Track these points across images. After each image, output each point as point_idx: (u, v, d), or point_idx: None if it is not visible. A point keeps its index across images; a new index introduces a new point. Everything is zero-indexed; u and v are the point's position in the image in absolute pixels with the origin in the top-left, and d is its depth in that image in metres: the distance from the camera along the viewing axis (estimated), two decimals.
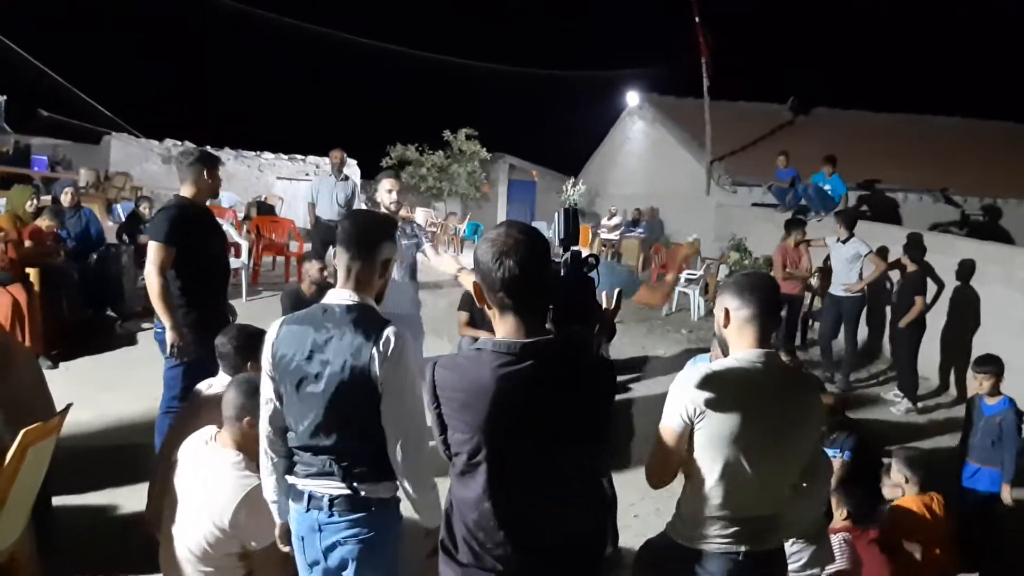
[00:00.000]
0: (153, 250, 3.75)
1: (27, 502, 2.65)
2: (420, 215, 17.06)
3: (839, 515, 3.43)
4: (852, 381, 7.44)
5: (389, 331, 2.00)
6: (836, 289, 7.51)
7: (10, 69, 16.17)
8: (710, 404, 2.01)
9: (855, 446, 4.35)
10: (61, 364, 6.10)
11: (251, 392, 2.46)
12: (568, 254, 1.89)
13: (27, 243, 6.38)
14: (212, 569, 2.43)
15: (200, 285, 3.94)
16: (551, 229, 1.99)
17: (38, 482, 2.68)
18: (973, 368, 4.69)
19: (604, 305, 1.96)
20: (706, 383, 2.05)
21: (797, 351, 8.48)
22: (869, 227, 8.72)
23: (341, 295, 2.09)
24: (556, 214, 2.01)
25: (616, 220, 15.58)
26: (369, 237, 2.15)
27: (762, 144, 14.32)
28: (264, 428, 2.15)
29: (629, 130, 17.62)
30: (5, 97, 16.99)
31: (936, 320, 7.20)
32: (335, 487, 2.03)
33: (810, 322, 9.12)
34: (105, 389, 5.62)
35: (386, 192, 4.50)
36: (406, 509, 2.16)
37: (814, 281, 8.64)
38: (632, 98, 16.81)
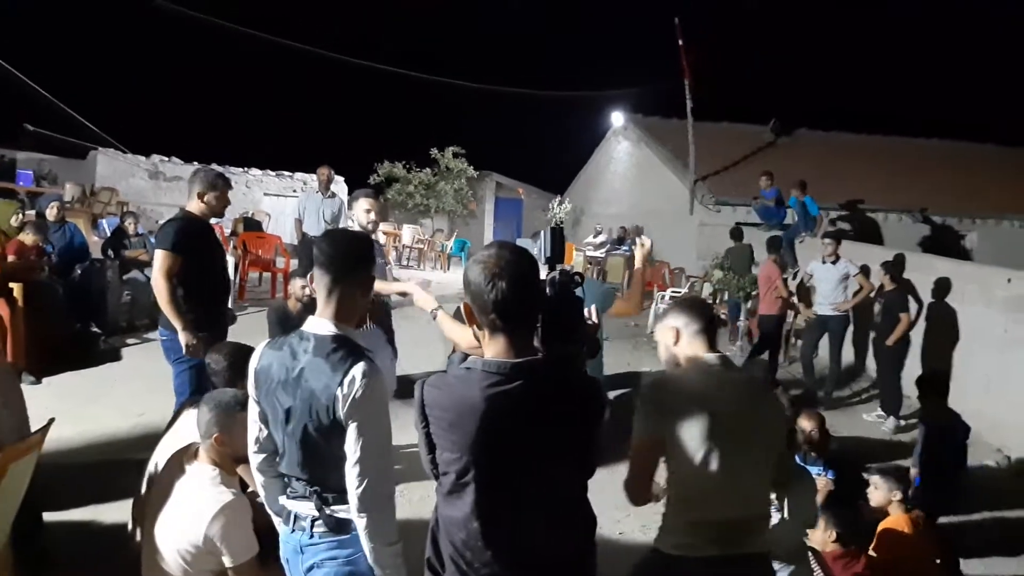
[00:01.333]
0: (160, 258, 3.88)
1: (7, 519, 2.64)
2: (407, 232, 17.11)
3: (827, 536, 3.43)
4: (835, 398, 7.52)
5: (356, 370, 1.90)
6: (822, 308, 7.64)
7: None
8: (677, 408, 2.09)
9: (839, 465, 4.40)
10: (44, 379, 6.05)
11: (218, 408, 2.48)
12: (556, 272, 1.92)
13: (10, 258, 6.35)
14: None
15: (203, 296, 4.05)
16: (537, 247, 2.02)
17: (18, 499, 2.67)
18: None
19: (589, 320, 1.99)
20: (669, 389, 2.16)
21: (780, 367, 8.60)
22: (852, 247, 8.88)
23: (319, 324, 2.02)
24: (542, 232, 2.05)
25: (602, 238, 15.69)
26: (351, 256, 2.08)
27: (745, 164, 14.52)
28: (252, 448, 2.13)
29: (614, 150, 17.79)
30: None
31: (917, 338, 7.32)
32: (316, 510, 2.00)
33: (792, 340, 9.23)
34: (89, 404, 5.58)
35: (364, 212, 4.45)
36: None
37: (796, 299, 8.77)
38: (617, 118, 16.98)
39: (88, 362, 6.59)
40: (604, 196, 17.98)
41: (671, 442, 2.09)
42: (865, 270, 7.80)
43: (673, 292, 11.03)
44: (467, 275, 1.71)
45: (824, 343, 7.78)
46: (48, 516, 3.67)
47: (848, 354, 8.21)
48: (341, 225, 9.06)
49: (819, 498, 4.27)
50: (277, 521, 2.20)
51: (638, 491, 2.19)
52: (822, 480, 4.31)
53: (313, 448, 1.97)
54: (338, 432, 1.91)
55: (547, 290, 1.89)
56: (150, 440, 3.58)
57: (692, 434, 2.07)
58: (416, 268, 15.80)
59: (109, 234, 8.93)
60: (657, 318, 2.30)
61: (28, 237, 6.73)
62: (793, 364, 8.69)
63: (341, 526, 1.99)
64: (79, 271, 7.41)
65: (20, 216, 7.29)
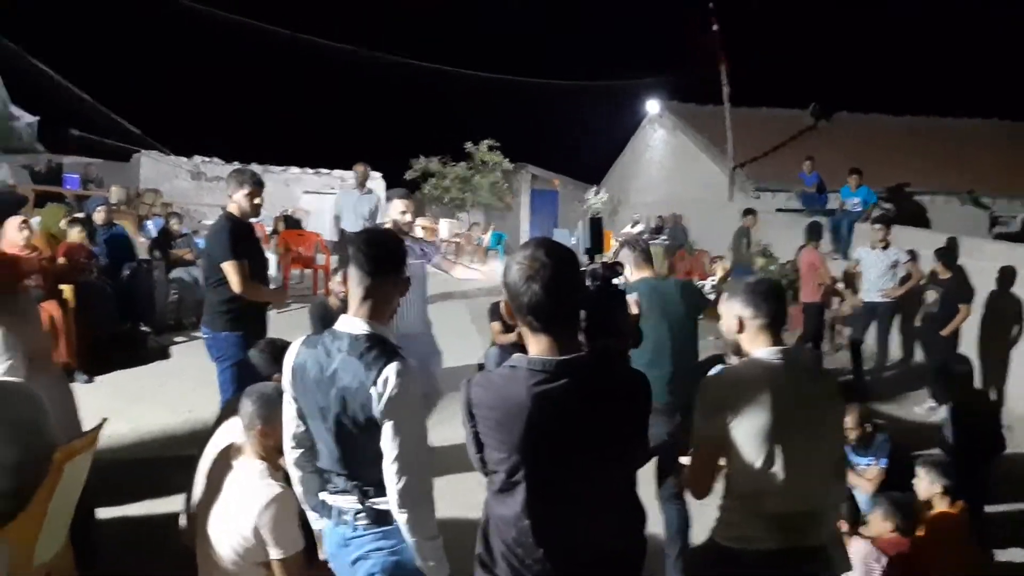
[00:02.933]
0: (231, 270, 4.09)
1: (65, 517, 2.71)
2: (444, 227, 17.18)
3: (886, 527, 3.36)
4: (882, 387, 7.36)
5: (390, 369, 1.91)
6: (871, 296, 7.46)
7: (42, 90, 16.57)
8: (740, 404, 2.07)
9: (890, 453, 4.31)
10: (97, 378, 6.22)
11: (260, 401, 2.51)
12: (597, 265, 1.90)
13: (61, 260, 6.52)
14: None
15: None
16: (574, 237, 2.00)
17: (75, 497, 2.74)
18: None
19: (631, 311, 1.97)
20: (733, 385, 2.13)
21: (824, 355, 8.45)
22: (898, 231, 8.65)
23: (352, 323, 2.04)
24: (580, 223, 2.04)
25: (639, 227, 15.56)
26: (385, 256, 2.09)
27: (784, 150, 14.27)
28: (288, 444, 2.16)
29: (650, 138, 17.63)
30: (38, 117, 17.42)
31: (970, 327, 7.09)
32: (358, 503, 2.03)
33: (838, 327, 9.06)
34: (139, 402, 5.72)
35: (399, 212, 4.52)
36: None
37: (841, 286, 8.59)
38: (652, 106, 16.82)
39: (138, 360, 6.75)
40: (641, 185, 17.83)
41: (731, 439, 2.08)
42: (913, 256, 7.60)
43: (713, 281, 10.90)
44: (505, 275, 1.71)
45: (872, 331, 7.61)
46: (102, 512, 3.79)
47: (894, 342, 8.02)
48: (378, 221, 9.15)
49: (871, 487, 4.21)
50: (312, 516, 2.23)
51: (699, 486, 2.21)
52: (873, 469, 4.23)
53: (350, 444, 1.99)
54: (374, 429, 1.93)
55: (588, 282, 1.87)
56: (199, 436, 3.65)
57: (752, 432, 2.05)
58: (454, 262, 15.88)
59: (155, 235, 9.13)
60: (726, 295, 2.24)
61: (76, 238, 6.90)
62: (839, 352, 8.53)
63: (383, 518, 2.02)
64: (127, 271, 7.58)
65: (69, 219, 7.47)
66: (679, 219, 14.90)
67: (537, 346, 1.70)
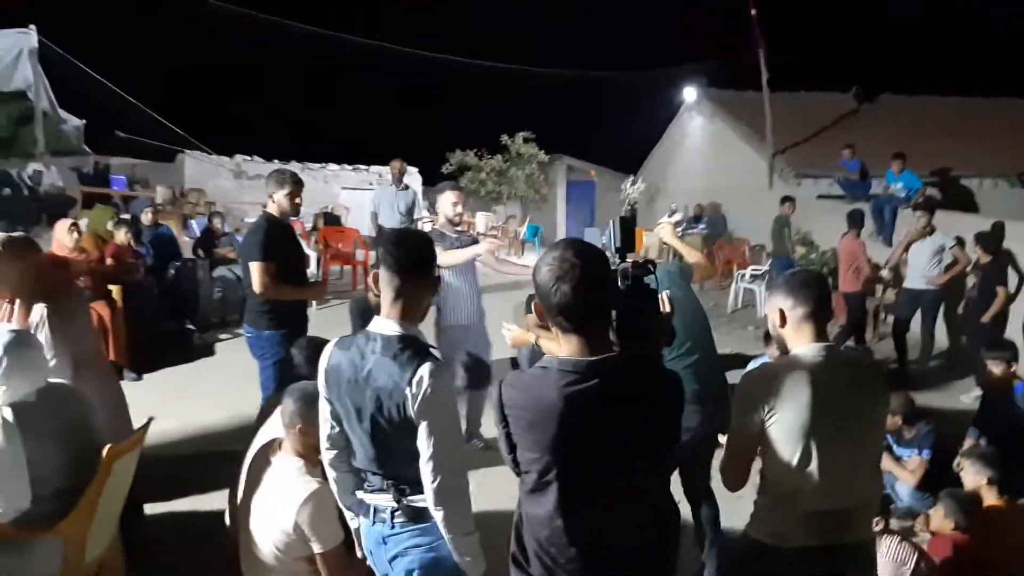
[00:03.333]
0: (256, 271, 4.12)
1: (114, 513, 2.82)
2: (480, 220, 17.22)
3: (947, 525, 3.26)
4: (928, 376, 7.20)
5: (424, 370, 1.93)
6: (915, 283, 7.30)
7: (88, 94, 17.01)
8: (778, 401, 2.04)
9: (933, 444, 4.23)
10: (145, 375, 6.40)
11: (300, 399, 2.56)
12: (627, 264, 1.89)
13: (109, 261, 6.71)
14: (286, 574, 2.53)
15: None
16: (605, 235, 1.99)
17: (124, 494, 2.84)
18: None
19: (663, 308, 1.97)
20: (772, 381, 2.09)
21: (869, 343, 8.29)
22: (944, 217, 8.42)
23: (385, 325, 2.05)
24: (611, 222, 2.03)
25: (677, 216, 15.35)
26: (416, 258, 2.10)
27: (826, 134, 13.98)
28: (324, 445, 2.20)
29: (688, 126, 17.39)
30: (84, 121, 17.92)
31: (1018, 314, 6.90)
32: (395, 501, 2.06)
33: (883, 315, 8.88)
34: (185, 398, 5.87)
35: (451, 205, 4.62)
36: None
37: (885, 274, 8.42)
38: (689, 93, 16.57)
39: (184, 358, 6.93)
40: (679, 174, 17.62)
41: (767, 436, 2.06)
42: (960, 242, 7.40)
43: (754, 270, 10.77)
44: (535, 276, 1.72)
45: (916, 319, 7.44)
46: (151, 507, 3.91)
47: (940, 329, 7.82)
48: (415, 216, 9.24)
49: (914, 480, 4.14)
50: (349, 516, 2.28)
51: (734, 479, 2.20)
52: (916, 460, 4.16)
53: (386, 444, 2.02)
54: (409, 429, 1.96)
55: (619, 282, 1.87)
56: (243, 431, 3.75)
57: (789, 431, 2.03)
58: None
59: (199, 234, 9.34)
60: (768, 293, 2.20)
61: (123, 239, 7.09)
62: (883, 340, 8.37)
63: (420, 515, 2.05)
64: (172, 271, 7.79)
65: (116, 220, 7.69)
66: (718, 208, 14.71)
67: (568, 347, 1.71)
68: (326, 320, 7.36)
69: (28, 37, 15.16)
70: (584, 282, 1.64)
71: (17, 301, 3.13)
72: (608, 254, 2.01)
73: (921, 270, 7.20)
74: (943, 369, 7.52)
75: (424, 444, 1.95)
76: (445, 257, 4.48)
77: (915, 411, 4.35)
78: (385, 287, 2.08)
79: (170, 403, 5.54)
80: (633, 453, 1.72)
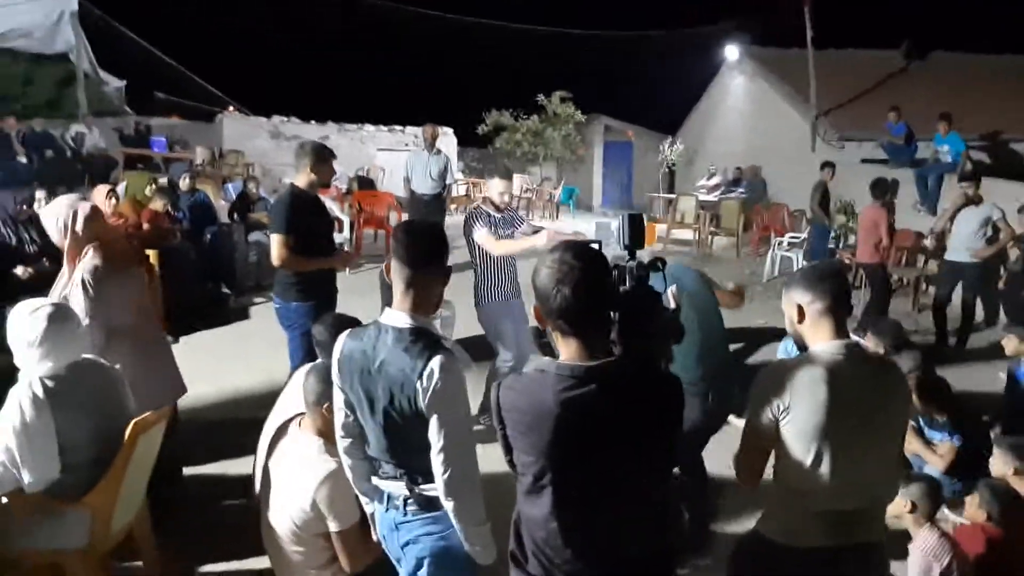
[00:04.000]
0: (275, 243, 4.18)
1: (141, 484, 2.93)
2: (516, 181, 17.12)
3: (980, 516, 3.16)
4: (968, 352, 7.03)
5: (434, 363, 1.94)
6: (958, 255, 7.05)
7: (128, 56, 17.19)
8: (793, 400, 2.01)
9: (966, 430, 4.13)
10: (182, 339, 6.55)
11: (326, 379, 2.58)
12: (632, 263, 1.86)
13: (145, 226, 6.85)
14: (303, 549, 2.60)
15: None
16: (616, 230, 1.96)
17: (150, 466, 2.95)
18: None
19: (670, 305, 1.93)
20: (788, 379, 2.04)
21: (909, 315, 8.13)
22: (992, 184, 8.13)
23: (396, 317, 2.06)
24: (620, 217, 1.99)
25: (716, 180, 15.10)
26: (429, 249, 2.10)
27: (872, 95, 13.52)
28: (339, 433, 2.23)
29: (728, 85, 16.96)
30: (125, 82, 18.15)
31: None
32: (407, 490, 2.10)
33: (923, 287, 8.67)
34: (222, 361, 6.01)
35: (498, 193, 4.60)
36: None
37: (928, 243, 8.20)
38: (731, 52, 16.13)
39: (220, 321, 7.08)
40: (718, 135, 17.25)
41: (783, 435, 2.04)
42: (1003, 213, 7.13)
43: (792, 237, 10.57)
44: (534, 279, 1.71)
45: (957, 292, 7.24)
46: (187, 471, 4.04)
47: (980, 304, 7.61)
48: (448, 181, 9.23)
49: (943, 464, 4.06)
50: (364, 501, 2.33)
51: (748, 476, 2.19)
52: (946, 445, 4.08)
53: (397, 435, 2.05)
54: (421, 422, 1.97)
55: (626, 280, 1.84)
56: (274, 398, 3.80)
57: (804, 430, 2.00)
58: (526, 217, 15.84)
59: (235, 198, 9.46)
60: (785, 280, 2.16)
61: (159, 204, 7.22)
62: (923, 312, 8.18)
63: (432, 503, 2.08)
64: (209, 235, 7.91)
65: (153, 186, 7.82)
66: (757, 171, 14.40)
67: (567, 350, 1.70)
68: (360, 284, 7.46)
69: (69, 0, 15.31)
70: (584, 284, 1.63)
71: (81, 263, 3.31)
72: (618, 249, 1.98)
73: (965, 242, 6.96)
74: (983, 346, 7.33)
75: (435, 436, 1.97)
76: (502, 246, 4.48)
77: (949, 393, 4.26)
78: (396, 278, 2.08)
79: (205, 367, 5.67)
80: (630, 459, 1.71)
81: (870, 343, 4.98)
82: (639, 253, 1.95)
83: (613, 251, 1.98)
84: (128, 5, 17.24)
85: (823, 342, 2.09)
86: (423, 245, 2.10)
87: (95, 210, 3.48)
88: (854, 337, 5.56)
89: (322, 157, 4.36)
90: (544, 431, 1.65)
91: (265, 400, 4.48)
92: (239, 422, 4.85)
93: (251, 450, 4.08)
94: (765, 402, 2.05)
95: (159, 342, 3.85)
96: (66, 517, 2.67)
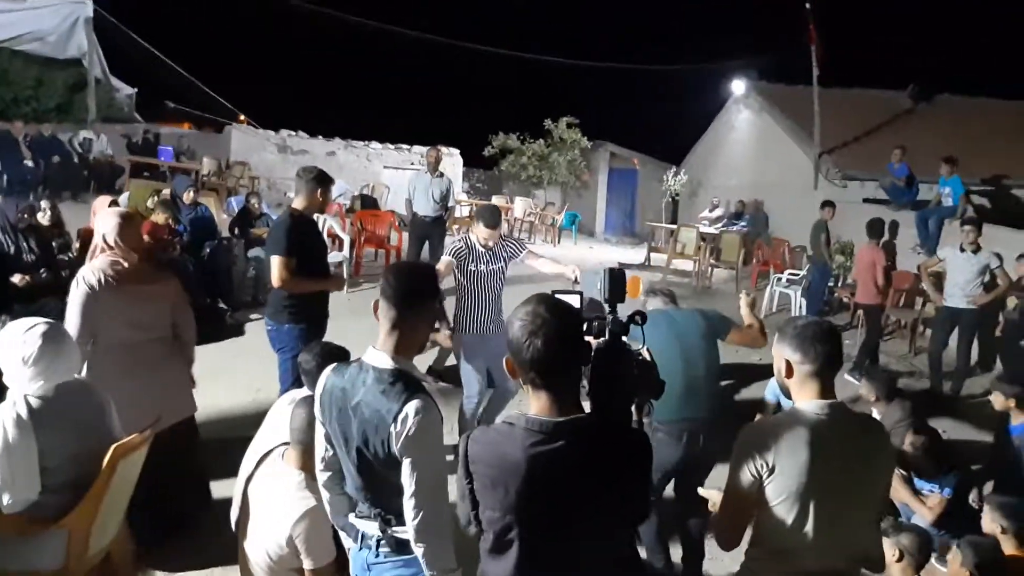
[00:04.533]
0: (277, 264, 4.23)
1: (120, 507, 2.91)
2: (519, 205, 17.19)
3: (962, 573, 3.08)
4: (963, 399, 7.00)
5: (410, 407, 1.93)
6: (955, 300, 7.04)
7: (140, 63, 17.34)
8: (777, 460, 2.01)
9: (957, 483, 4.11)
10: None
11: (310, 415, 2.59)
12: (607, 318, 1.87)
13: (146, 238, 6.85)
14: None
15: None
16: (598, 284, 1.97)
17: (130, 489, 2.94)
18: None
19: (646, 359, 1.93)
20: (771, 438, 2.05)
21: (906, 357, 8.12)
22: (993, 230, 8.15)
23: (378, 357, 2.06)
24: (602, 271, 2.00)
25: (718, 212, 15.17)
26: (416, 291, 2.11)
27: (877, 135, 13.57)
28: (319, 466, 2.23)
29: (734, 119, 17.05)
30: (136, 90, 18.30)
31: None
32: (380, 531, 2.08)
33: (921, 328, 8.66)
34: (211, 379, 5.92)
35: (483, 236, 4.51)
36: None
37: (926, 286, 8.20)
38: (738, 86, 16.24)
39: (214, 337, 7.02)
40: (723, 168, 17.31)
41: (766, 494, 2.03)
42: (1000, 260, 7.12)
43: (791, 274, 10.56)
44: (507, 331, 1.71)
45: (954, 338, 7.23)
46: None
47: (976, 351, 7.59)
48: (449, 204, 9.27)
49: (932, 517, 4.03)
50: (342, 535, 2.30)
51: (728, 537, 2.18)
52: (935, 497, 4.06)
53: (371, 476, 2.04)
54: (394, 464, 1.97)
55: (603, 333, 1.84)
56: (262, 418, 3.81)
57: (786, 490, 2.00)
58: (527, 242, 15.88)
59: (237, 213, 9.49)
60: (779, 328, 2.16)
61: (160, 217, 7.24)
62: (919, 355, 8.16)
63: (404, 546, 2.06)
64: (208, 249, 7.92)
65: (155, 197, 7.85)
66: (760, 205, 14.44)
67: (537, 403, 1.70)
68: (358, 304, 7.46)
69: (84, 6, 15.51)
70: (557, 336, 1.64)
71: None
72: (599, 302, 1.99)
73: (962, 288, 6.96)
74: (977, 394, 7.30)
75: (407, 480, 1.96)
76: (443, 267, 4.39)
77: (941, 444, 4.24)
78: (383, 317, 2.09)
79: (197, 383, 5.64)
80: (597, 516, 1.70)
81: (863, 389, 4.99)
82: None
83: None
84: (142, 14, 17.44)
85: (808, 400, 2.09)
86: (411, 287, 2.10)
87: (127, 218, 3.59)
88: (848, 377, 5.54)
89: (323, 183, 4.44)
90: (511, 486, 1.64)
91: (252, 420, 4.46)
92: (224, 441, 4.81)
93: (233, 472, 4.08)
94: (748, 462, 2.05)
95: (159, 360, 3.71)
96: (43, 538, 2.65)
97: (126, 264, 3.46)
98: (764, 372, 6.86)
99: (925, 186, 11.01)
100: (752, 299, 3.89)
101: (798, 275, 10.33)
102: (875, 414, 4.79)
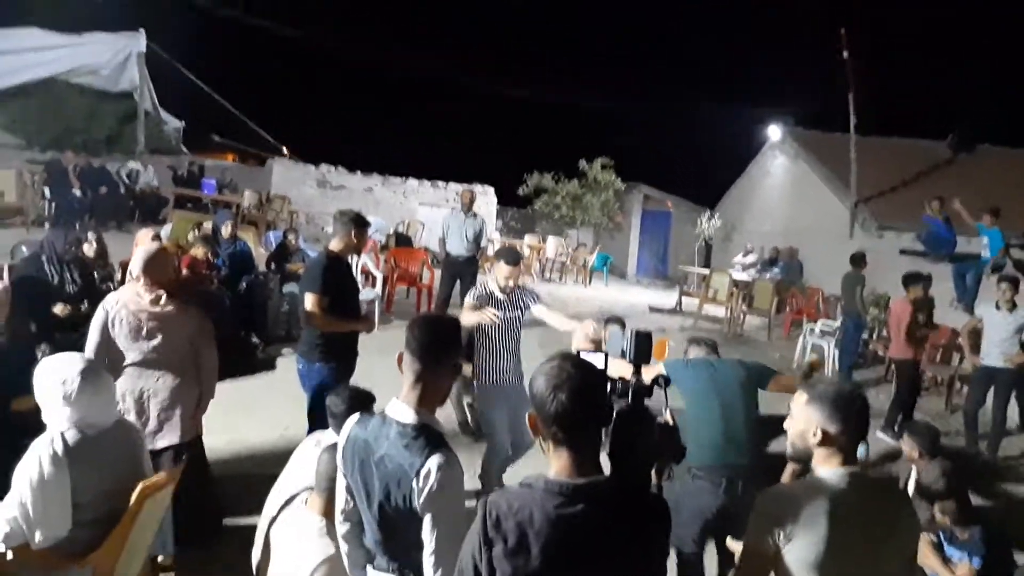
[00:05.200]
0: (310, 302, 4.36)
1: (144, 543, 2.96)
2: (551, 245, 17.27)
3: None
4: (1000, 460, 6.82)
5: (432, 462, 1.96)
6: (992, 359, 6.91)
7: (188, 97, 17.92)
8: (796, 528, 2.00)
9: (988, 550, 4.00)
10: None
11: (334, 463, 2.62)
12: (629, 381, 1.88)
13: (184, 272, 7.03)
14: None
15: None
16: (624, 343, 1.99)
17: (155, 527, 2.99)
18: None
19: (668, 422, 1.94)
20: (792, 507, 2.04)
21: (942, 415, 7.93)
22: None
23: (402, 411, 2.09)
24: (628, 332, 2.02)
25: (752, 258, 15.07)
26: (439, 344, 2.14)
27: (915, 185, 13.45)
28: (339, 517, 2.25)
29: (770, 164, 17.03)
30: (184, 122, 18.87)
31: None
32: None
33: (958, 386, 8.47)
34: (242, 414, 6.05)
35: (503, 277, 4.55)
36: None
37: (964, 345, 8.06)
38: (774, 132, 16.27)
39: (246, 370, 7.14)
40: (757, 213, 17.26)
41: (784, 561, 2.02)
42: None
43: (824, 324, 10.42)
44: (530, 386, 1.73)
45: (991, 396, 7.06)
46: None
47: (1014, 411, 7.39)
48: (482, 244, 9.37)
49: None
50: None
51: None
52: (964, 567, 3.94)
53: (391, 530, 2.06)
54: (415, 519, 1.99)
55: (625, 395, 1.86)
56: (288, 456, 3.85)
57: (805, 558, 1.98)
58: (558, 282, 15.91)
59: (274, 247, 9.69)
60: (809, 388, 2.16)
61: (200, 251, 7.43)
62: (955, 413, 7.97)
63: None
64: (245, 284, 8.08)
65: (196, 231, 8.06)
66: (795, 253, 14.33)
67: (557, 462, 1.70)
68: (388, 342, 7.50)
69: (137, 41, 16.09)
70: (581, 390, 1.65)
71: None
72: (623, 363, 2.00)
73: (999, 346, 6.82)
74: (1015, 455, 7.10)
75: (428, 536, 1.98)
76: (467, 315, 4.38)
77: (970, 511, 4.13)
78: (407, 370, 2.12)
79: (223, 417, 5.68)
80: None
81: (905, 445, 4.89)
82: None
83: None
84: (192, 48, 18.01)
85: (830, 468, 2.08)
86: (436, 341, 2.14)
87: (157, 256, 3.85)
88: (880, 435, 5.42)
89: (360, 226, 4.57)
90: (534, 550, 1.64)
91: (279, 458, 4.50)
92: (249, 477, 4.87)
93: (256, 510, 4.12)
94: (767, 528, 2.04)
95: (161, 386, 3.81)
96: (68, 574, 2.71)
97: (147, 295, 3.70)
98: None
99: (963, 238, 10.85)
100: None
101: (832, 326, 10.19)
102: (915, 471, 4.71)
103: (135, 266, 3.77)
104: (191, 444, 4.00)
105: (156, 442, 3.75)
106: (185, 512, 3.56)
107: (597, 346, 3.80)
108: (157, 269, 3.78)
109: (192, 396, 3.97)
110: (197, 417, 4.07)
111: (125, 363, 3.68)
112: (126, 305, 3.67)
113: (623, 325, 4.54)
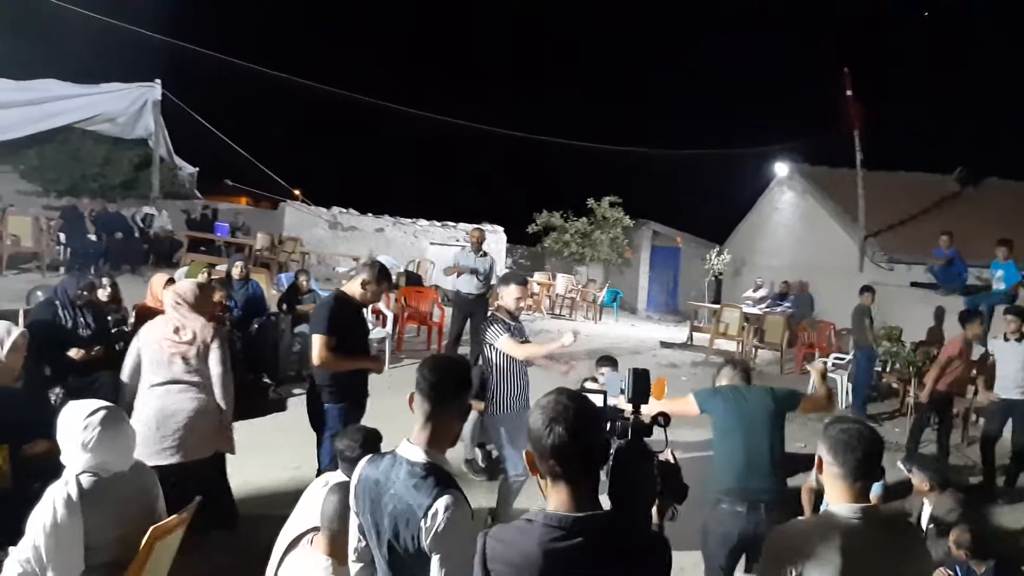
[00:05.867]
0: (318, 343, 4.40)
1: None
2: (561, 282, 17.33)
3: None
4: (1016, 492, 6.71)
5: (440, 503, 1.96)
6: (1007, 391, 6.87)
7: (202, 143, 18.27)
8: (807, 567, 2.01)
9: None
10: None
11: (342, 501, 2.63)
12: (629, 420, 1.90)
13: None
14: None
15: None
16: (622, 385, 2.01)
17: (165, 570, 2.99)
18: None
19: (670, 461, 1.95)
20: (803, 544, 2.05)
21: (958, 448, 7.84)
22: None
23: (412, 451, 2.10)
24: (626, 371, 2.05)
25: (762, 292, 15.06)
26: (451, 384, 2.16)
27: (924, 218, 13.46)
28: (352, 556, 2.26)
29: (778, 200, 17.10)
30: (198, 168, 19.21)
31: None
32: None
33: (974, 418, 8.38)
34: (252, 454, 6.04)
35: (514, 299, 4.67)
36: None
37: (978, 382, 8.00)
38: (781, 168, 16.36)
39: (256, 411, 7.14)
40: (766, 248, 17.28)
41: None
42: None
43: (836, 358, 10.38)
44: (528, 421, 1.75)
45: (1008, 429, 6.99)
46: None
47: None
48: (492, 283, 9.43)
49: None
50: None
51: None
52: None
53: (401, 569, 2.07)
54: (423, 558, 1.99)
55: (625, 434, 1.88)
56: (298, 496, 3.86)
57: None
58: (568, 318, 15.92)
59: (286, 288, 9.78)
60: (824, 426, 2.22)
61: (215, 295, 7.50)
62: (972, 445, 7.87)
63: None
64: (256, 325, 8.14)
65: (205, 273, 8.16)
66: (805, 287, 14.31)
67: (556, 497, 1.71)
68: (399, 380, 7.54)
69: (153, 90, 16.48)
70: (579, 423, 1.67)
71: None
72: (621, 402, 2.03)
73: (1012, 378, 6.78)
74: None
75: (436, 573, 1.99)
76: (525, 349, 4.55)
77: (986, 544, 4.08)
78: (418, 411, 2.15)
79: (235, 458, 5.71)
80: None
81: (915, 479, 4.86)
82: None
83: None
84: (206, 96, 18.39)
85: (840, 504, 2.10)
86: (446, 381, 2.16)
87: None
88: (900, 465, 5.38)
89: (383, 279, 4.62)
90: None
91: (289, 498, 4.50)
92: (260, 518, 4.86)
93: (268, 551, 4.12)
94: (779, 566, 2.06)
95: (187, 402, 4.24)
96: None
97: (176, 320, 4.17)
98: (805, 462, 6.70)
99: (974, 270, 10.83)
100: (823, 369, 4.13)
101: (844, 359, 10.14)
102: (927, 504, 4.67)
103: (186, 295, 4.29)
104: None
105: (194, 452, 4.25)
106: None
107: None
108: (205, 300, 4.38)
109: (215, 413, 4.43)
110: (223, 431, 4.53)
111: (154, 383, 4.09)
112: (151, 327, 4.18)
113: (615, 365, 4.61)
